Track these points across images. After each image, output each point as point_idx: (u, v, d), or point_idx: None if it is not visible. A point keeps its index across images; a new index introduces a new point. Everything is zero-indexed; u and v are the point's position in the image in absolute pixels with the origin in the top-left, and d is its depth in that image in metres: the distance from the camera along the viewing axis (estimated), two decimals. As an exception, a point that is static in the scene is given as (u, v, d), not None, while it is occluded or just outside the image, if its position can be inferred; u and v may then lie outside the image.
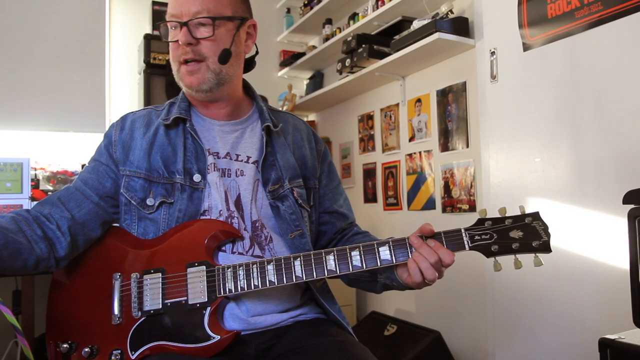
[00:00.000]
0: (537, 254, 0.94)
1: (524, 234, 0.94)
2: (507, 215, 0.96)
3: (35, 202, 2.22)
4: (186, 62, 1.09)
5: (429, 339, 2.34)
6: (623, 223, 1.17)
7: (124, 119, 1.19)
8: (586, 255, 1.76)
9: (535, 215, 0.95)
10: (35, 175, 2.57)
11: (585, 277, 1.76)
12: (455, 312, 2.46)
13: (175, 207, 1.08)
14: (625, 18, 1.66)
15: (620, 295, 1.52)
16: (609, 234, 1.69)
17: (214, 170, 1.11)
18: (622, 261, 1.59)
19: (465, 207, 2.37)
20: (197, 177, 1.10)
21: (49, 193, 2.43)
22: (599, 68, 1.76)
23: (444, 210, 2.51)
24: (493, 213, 0.99)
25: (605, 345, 1.11)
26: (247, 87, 1.25)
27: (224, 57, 1.10)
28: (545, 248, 0.93)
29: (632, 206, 1.15)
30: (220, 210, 1.09)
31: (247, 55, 1.22)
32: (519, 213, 0.96)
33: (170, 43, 1.12)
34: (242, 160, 1.15)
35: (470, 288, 2.36)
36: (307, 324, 1.11)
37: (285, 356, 1.03)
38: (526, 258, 0.95)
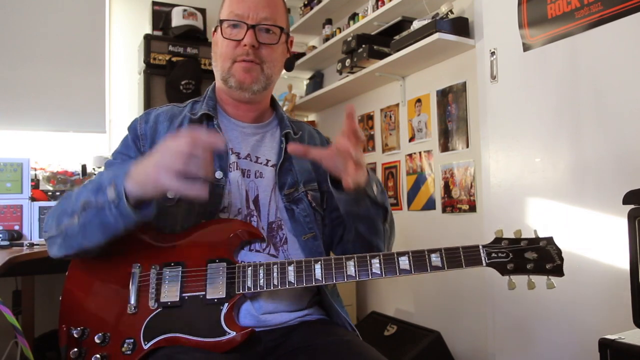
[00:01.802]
0: (549, 277, 0.99)
1: (538, 256, 0.99)
2: (522, 237, 1.01)
3: (34, 202, 2.23)
4: (243, 60, 1.13)
5: (429, 339, 2.34)
6: (623, 223, 1.17)
7: (147, 113, 1.22)
8: (586, 255, 1.76)
9: (550, 240, 1.00)
10: (35, 175, 2.57)
11: (585, 277, 1.76)
12: (456, 312, 2.46)
13: (195, 202, 1.08)
14: (625, 18, 1.66)
15: (620, 295, 1.52)
16: (609, 234, 1.69)
17: (236, 169, 1.14)
18: (622, 261, 1.59)
19: (465, 207, 2.37)
20: (218, 174, 1.12)
21: (49, 193, 2.44)
22: (599, 68, 1.76)
23: (444, 211, 2.51)
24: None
25: (605, 346, 1.11)
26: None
27: (290, 65, 1.19)
28: (558, 271, 0.99)
29: (632, 206, 1.15)
30: (240, 208, 1.12)
31: None
32: (532, 236, 1.01)
33: (225, 40, 1.14)
34: (261, 163, 1.18)
35: (470, 288, 2.36)
36: (313, 324, 1.13)
37: (294, 354, 1.04)
38: (539, 279, 1.00)
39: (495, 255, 1.00)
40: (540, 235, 1.01)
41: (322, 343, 1.05)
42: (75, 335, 1.03)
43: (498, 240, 1.01)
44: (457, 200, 2.42)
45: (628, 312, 1.14)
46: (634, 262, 1.13)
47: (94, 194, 0.98)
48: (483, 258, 0.99)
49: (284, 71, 3.63)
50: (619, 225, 1.57)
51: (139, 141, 1.16)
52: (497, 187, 2.15)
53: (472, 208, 2.33)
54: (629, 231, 1.14)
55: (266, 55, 1.14)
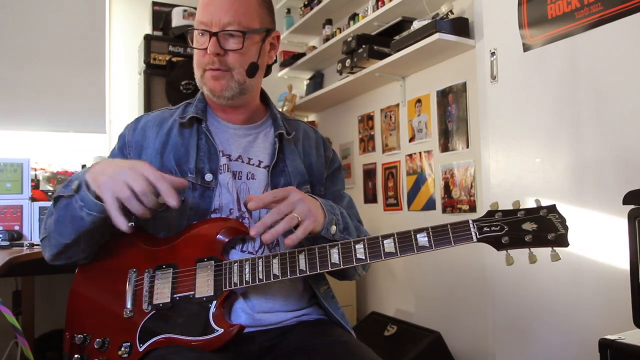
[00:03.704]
0: (553, 248, 0.89)
1: (538, 227, 0.89)
2: (520, 208, 0.91)
3: (35, 202, 2.23)
4: (211, 69, 1.12)
5: (429, 339, 2.34)
6: (623, 223, 1.17)
7: (137, 120, 1.23)
8: (586, 255, 1.76)
9: (552, 208, 0.90)
10: (36, 175, 2.57)
11: (585, 277, 1.76)
12: (455, 312, 2.46)
13: (187, 205, 1.10)
14: (625, 18, 1.66)
15: (620, 295, 1.52)
16: (609, 234, 1.69)
17: (227, 171, 1.14)
18: (622, 261, 1.59)
19: (466, 207, 2.37)
20: (208, 177, 1.13)
21: (49, 194, 2.43)
22: (599, 68, 1.76)
23: (444, 211, 2.51)
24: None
25: (605, 346, 1.11)
26: (262, 94, 1.28)
27: (252, 70, 1.14)
28: (562, 241, 0.88)
29: (632, 206, 1.15)
30: (231, 209, 1.12)
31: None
32: (534, 206, 0.91)
33: (195, 49, 1.14)
34: (253, 164, 1.18)
35: (470, 288, 2.36)
36: (311, 324, 1.13)
37: (291, 355, 1.05)
38: (542, 252, 0.90)
39: (488, 229, 0.90)
40: (543, 204, 0.90)
41: (320, 343, 1.05)
42: (77, 342, 1.06)
43: (491, 213, 0.91)
44: (457, 201, 2.42)
45: (628, 312, 1.14)
46: (634, 262, 1.13)
47: (64, 188, 1.04)
48: (474, 233, 0.90)
49: (285, 70, 3.66)
50: (619, 225, 1.57)
51: (125, 149, 1.18)
52: (497, 187, 2.15)
53: (472, 208, 2.33)
54: (629, 231, 1.14)
55: (234, 62, 1.11)
